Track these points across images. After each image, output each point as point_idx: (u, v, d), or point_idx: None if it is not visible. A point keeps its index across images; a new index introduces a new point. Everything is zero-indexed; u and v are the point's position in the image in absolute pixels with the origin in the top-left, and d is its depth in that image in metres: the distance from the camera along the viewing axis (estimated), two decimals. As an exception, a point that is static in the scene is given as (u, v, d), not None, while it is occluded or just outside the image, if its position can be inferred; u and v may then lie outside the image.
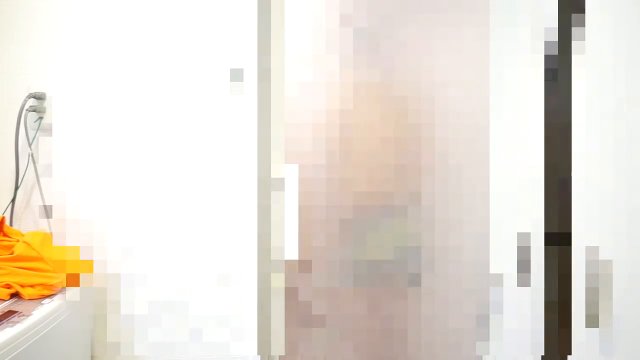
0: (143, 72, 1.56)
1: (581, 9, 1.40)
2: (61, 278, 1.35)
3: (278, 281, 1.58)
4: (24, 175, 1.55)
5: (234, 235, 1.58)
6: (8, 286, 1.28)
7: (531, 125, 1.52)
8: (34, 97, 1.54)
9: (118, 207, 1.56)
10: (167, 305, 1.57)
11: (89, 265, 1.45)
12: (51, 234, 1.49)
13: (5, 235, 1.41)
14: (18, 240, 1.38)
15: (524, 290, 1.50)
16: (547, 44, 1.47)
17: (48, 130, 1.56)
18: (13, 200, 1.55)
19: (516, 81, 1.56)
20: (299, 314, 1.61)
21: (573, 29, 1.43)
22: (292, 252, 1.59)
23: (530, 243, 1.50)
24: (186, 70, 1.57)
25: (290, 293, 1.60)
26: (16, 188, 1.55)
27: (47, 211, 1.55)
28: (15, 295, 1.29)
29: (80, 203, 1.54)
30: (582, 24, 1.40)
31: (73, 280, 1.36)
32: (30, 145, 1.55)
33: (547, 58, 1.47)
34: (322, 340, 1.61)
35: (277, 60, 1.58)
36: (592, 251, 1.33)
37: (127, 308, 1.57)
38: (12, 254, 1.34)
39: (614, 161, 1.30)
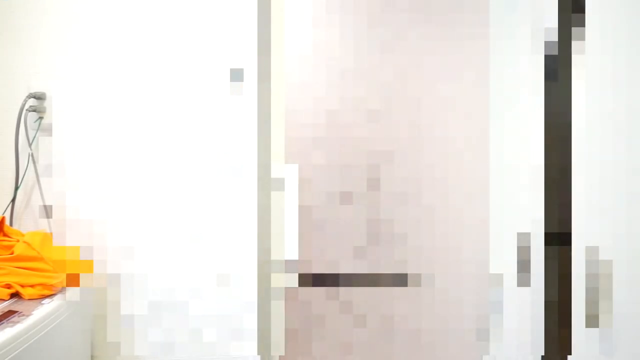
0: (143, 72, 1.56)
1: (581, 9, 1.40)
2: (61, 278, 1.35)
3: (278, 281, 1.58)
4: (24, 175, 1.55)
5: (234, 235, 1.58)
6: (8, 286, 1.28)
7: (531, 125, 1.52)
8: (34, 97, 1.54)
9: (118, 207, 1.56)
10: (167, 305, 1.57)
11: (89, 265, 1.46)
12: (51, 234, 1.49)
13: (5, 235, 1.41)
14: (18, 240, 1.38)
15: (524, 290, 1.50)
16: (547, 44, 1.47)
17: (48, 130, 1.56)
18: (13, 200, 1.55)
19: (516, 81, 1.56)
20: (299, 314, 1.61)
21: (573, 29, 1.43)
22: (292, 252, 1.59)
23: (530, 243, 1.50)
24: (186, 70, 1.57)
25: (290, 293, 1.60)
26: (16, 188, 1.55)
27: (47, 211, 1.55)
28: (15, 295, 1.29)
29: (80, 203, 1.54)
30: (582, 24, 1.40)
31: (73, 280, 1.36)
32: (30, 145, 1.55)
33: (547, 58, 1.47)
34: (322, 341, 1.61)
35: (277, 60, 1.57)
36: (592, 251, 1.33)
37: (127, 308, 1.57)
38: (12, 254, 1.34)
39: (614, 161, 1.30)
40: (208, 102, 1.57)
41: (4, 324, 1.11)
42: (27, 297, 1.28)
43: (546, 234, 1.47)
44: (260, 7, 1.57)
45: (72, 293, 1.35)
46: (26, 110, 1.53)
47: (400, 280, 1.60)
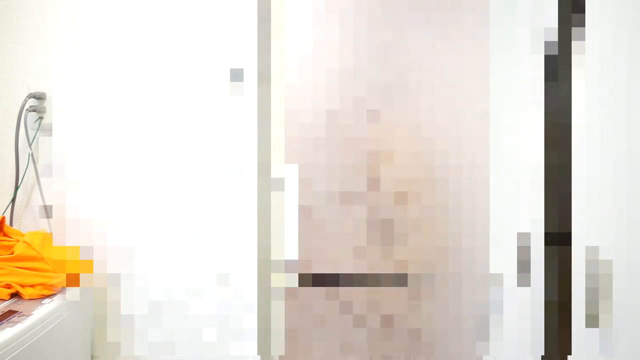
0: (143, 72, 1.56)
1: (581, 9, 1.40)
2: (61, 278, 1.35)
3: (278, 281, 1.58)
4: (24, 175, 1.55)
5: (233, 235, 1.58)
6: (8, 286, 1.28)
7: (531, 125, 1.51)
8: (34, 97, 1.55)
9: (118, 207, 1.56)
10: (167, 305, 1.57)
11: (89, 265, 1.46)
12: (51, 234, 1.50)
13: (5, 235, 1.41)
14: (18, 240, 1.39)
15: (524, 290, 1.50)
16: (547, 44, 1.47)
17: (48, 130, 1.56)
18: (13, 200, 1.55)
19: (516, 81, 1.56)
20: (299, 314, 1.61)
21: (573, 29, 1.43)
22: (292, 252, 1.59)
23: (530, 243, 1.50)
24: (186, 70, 1.57)
25: (290, 293, 1.60)
26: (16, 188, 1.55)
27: (47, 211, 1.55)
28: (15, 295, 1.29)
29: (80, 203, 1.54)
30: (582, 24, 1.40)
31: (73, 280, 1.36)
32: (30, 145, 1.55)
33: (547, 58, 1.47)
34: (322, 341, 1.61)
35: (277, 60, 1.57)
36: (592, 251, 1.33)
37: (127, 308, 1.57)
38: (12, 253, 1.34)
39: (614, 161, 1.30)
40: (208, 102, 1.57)
41: (4, 324, 1.11)
42: (27, 297, 1.29)
43: (546, 234, 1.47)
44: (260, 7, 1.57)
45: (72, 293, 1.35)
46: (26, 110, 1.53)
47: (400, 280, 1.60)
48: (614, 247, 1.28)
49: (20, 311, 1.20)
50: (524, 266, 1.50)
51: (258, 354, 1.59)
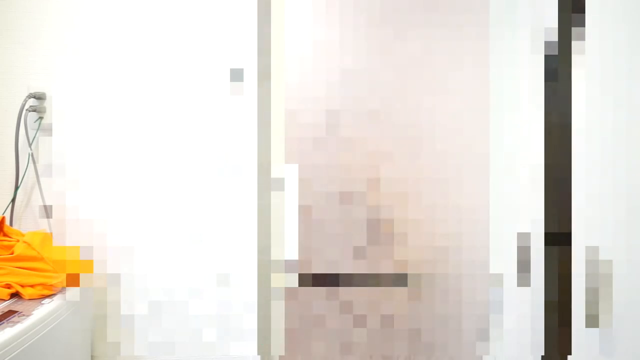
0: (143, 72, 1.56)
1: (581, 9, 1.40)
2: (61, 278, 1.35)
3: (278, 281, 1.58)
4: (24, 175, 1.55)
5: (233, 235, 1.58)
6: (8, 286, 1.28)
7: (531, 125, 1.51)
8: (34, 97, 1.55)
9: (118, 207, 1.56)
10: (167, 305, 1.57)
11: (89, 265, 1.46)
12: (51, 234, 1.50)
13: (5, 235, 1.41)
14: (18, 240, 1.39)
15: (524, 290, 1.50)
16: (547, 44, 1.46)
17: (48, 130, 1.56)
18: (13, 200, 1.55)
19: (516, 81, 1.56)
20: (299, 314, 1.61)
21: (573, 29, 1.43)
22: (292, 252, 1.59)
23: (530, 243, 1.50)
24: (186, 70, 1.57)
25: (290, 293, 1.60)
26: (16, 188, 1.55)
27: (47, 211, 1.55)
28: (15, 295, 1.30)
29: (80, 203, 1.54)
30: (582, 24, 1.40)
31: (73, 280, 1.36)
32: (30, 145, 1.55)
33: (547, 58, 1.47)
34: (322, 341, 1.61)
35: (277, 60, 1.57)
36: (592, 251, 1.33)
37: (127, 308, 1.57)
38: (12, 253, 1.34)
39: (614, 161, 1.30)
40: (208, 102, 1.57)
41: (4, 324, 1.11)
42: (27, 297, 1.29)
43: (546, 234, 1.47)
44: (260, 7, 1.57)
45: (72, 293, 1.35)
46: (26, 110, 1.53)
47: (400, 280, 1.60)
48: (614, 247, 1.28)
49: (20, 311, 1.20)
50: (524, 266, 1.50)
51: (258, 354, 1.59)
